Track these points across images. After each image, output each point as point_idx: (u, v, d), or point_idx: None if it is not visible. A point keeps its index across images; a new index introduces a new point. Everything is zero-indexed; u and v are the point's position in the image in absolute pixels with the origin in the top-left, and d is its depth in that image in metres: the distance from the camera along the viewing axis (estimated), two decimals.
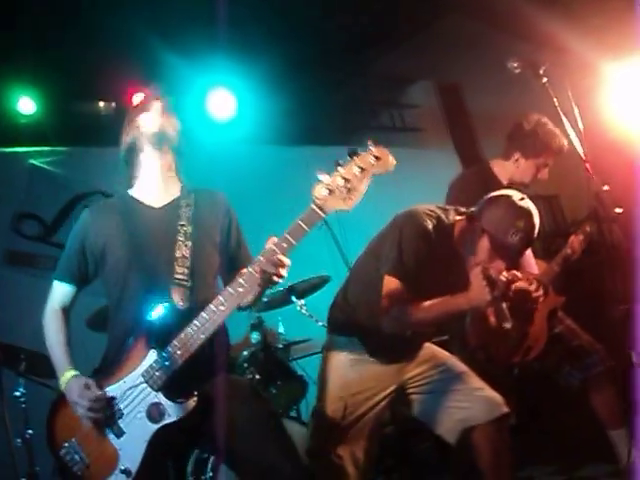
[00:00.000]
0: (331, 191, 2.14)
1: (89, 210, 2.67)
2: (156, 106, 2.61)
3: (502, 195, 2.93)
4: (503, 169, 3.62)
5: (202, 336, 2.30)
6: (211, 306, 2.30)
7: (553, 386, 3.66)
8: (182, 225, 2.54)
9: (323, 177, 2.17)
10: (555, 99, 3.12)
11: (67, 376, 2.47)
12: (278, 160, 6.05)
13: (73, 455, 2.42)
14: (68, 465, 2.41)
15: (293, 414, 4.12)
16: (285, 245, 2.22)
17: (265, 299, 4.01)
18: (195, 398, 2.34)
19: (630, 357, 2.84)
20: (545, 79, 3.13)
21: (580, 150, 3.02)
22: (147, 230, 2.55)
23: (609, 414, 3.51)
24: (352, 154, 2.17)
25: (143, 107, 2.63)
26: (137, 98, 2.72)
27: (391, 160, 2.18)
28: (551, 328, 3.55)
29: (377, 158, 2.15)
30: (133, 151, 2.62)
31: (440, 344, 3.73)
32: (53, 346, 2.56)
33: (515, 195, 2.89)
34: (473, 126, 7.57)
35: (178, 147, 2.64)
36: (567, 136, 3.11)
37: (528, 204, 2.86)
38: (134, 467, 2.33)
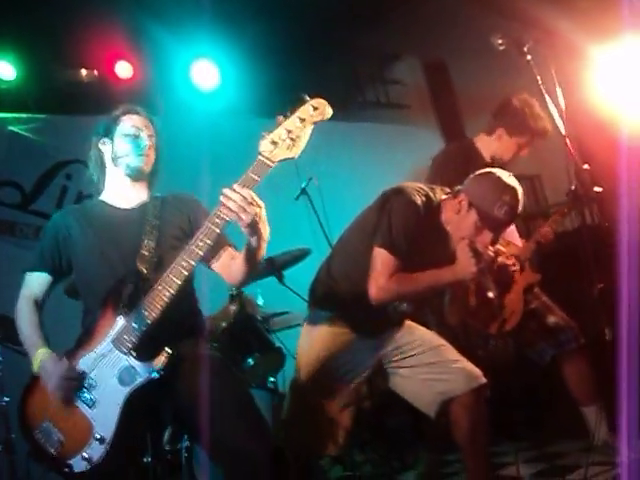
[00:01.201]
0: (275, 143, 2.27)
1: (60, 212, 2.81)
2: (140, 135, 2.68)
3: (490, 172, 3.02)
4: (486, 144, 3.64)
5: (167, 293, 2.36)
6: (173, 264, 2.37)
7: (527, 361, 3.70)
8: (148, 220, 2.64)
9: (266, 133, 2.29)
10: (539, 77, 3.13)
11: (40, 354, 2.50)
12: (261, 131, 6.00)
13: (48, 436, 2.42)
14: (44, 447, 2.41)
15: (270, 386, 4.13)
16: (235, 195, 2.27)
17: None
18: (166, 355, 2.36)
19: (604, 334, 2.87)
20: (529, 57, 3.14)
21: (562, 129, 3.04)
22: (116, 226, 2.65)
23: (582, 390, 3.56)
24: (292, 109, 2.30)
25: (127, 130, 2.69)
26: (126, 117, 2.72)
27: (328, 109, 2.31)
28: (527, 304, 3.59)
29: (315, 108, 2.29)
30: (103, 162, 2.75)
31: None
32: (25, 328, 2.60)
33: (502, 173, 2.99)
34: (458, 104, 7.57)
35: (153, 172, 2.77)
36: (550, 116, 3.13)
37: (514, 181, 2.97)
38: (108, 434, 2.33)
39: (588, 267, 2.89)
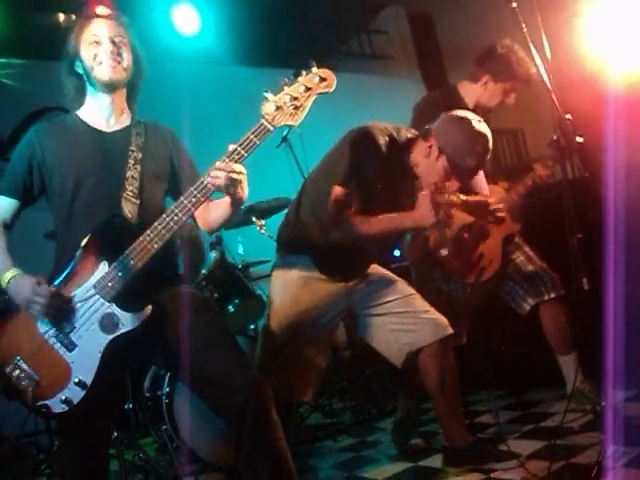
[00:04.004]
0: (279, 107, 2.28)
1: (35, 129, 2.59)
2: (102, 42, 2.49)
3: (459, 117, 2.99)
4: (470, 91, 3.60)
5: (155, 245, 2.32)
6: (164, 216, 2.33)
7: (505, 310, 3.73)
8: (132, 151, 2.55)
9: (270, 96, 2.29)
10: (524, 25, 3.09)
11: (9, 274, 2.38)
12: (242, 81, 5.95)
13: (20, 372, 2.37)
14: (15, 383, 2.36)
15: (250, 333, 4.15)
16: (236, 157, 2.29)
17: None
18: (150, 307, 2.33)
19: (582, 284, 2.89)
20: (515, 4, 3.09)
21: (547, 80, 3.01)
22: (97, 152, 2.53)
23: (559, 340, 3.59)
24: (297, 74, 2.32)
25: (89, 39, 2.50)
26: (86, 25, 2.53)
27: (334, 81, 2.32)
28: (508, 253, 3.60)
29: (322, 79, 2.31)
30: (79, 76, 2.56)
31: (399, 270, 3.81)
32: None
33: (472, 117, 2.97)
34: (442, 56, 7.52)
35: (132, 81, 2.60)
36: (535, 65, 3.10)
37: (484, 127, 2.95)
38: (89, 379, 2.31)
39: (568, 217, 2.88)
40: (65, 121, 2.61)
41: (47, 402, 2.33)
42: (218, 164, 2.28)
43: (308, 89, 2.29)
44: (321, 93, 2.32)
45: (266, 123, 2.28)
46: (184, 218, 2.32)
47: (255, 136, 2.28)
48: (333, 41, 7.39)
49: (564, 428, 3.19)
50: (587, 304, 2.85)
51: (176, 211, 2.32)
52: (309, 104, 2.30)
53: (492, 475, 2.96)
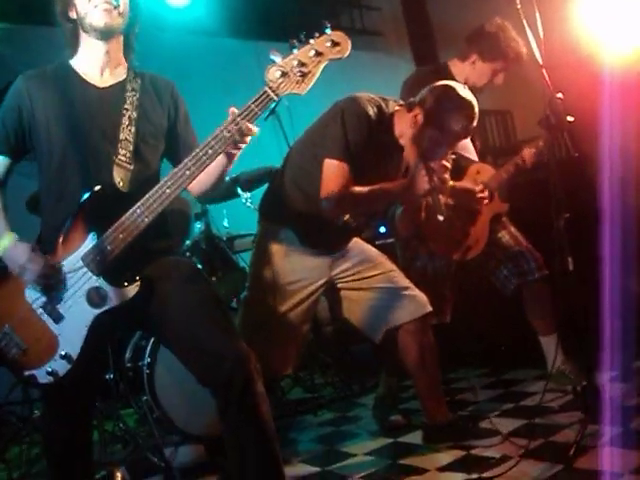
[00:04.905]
0: (285, 73, 2.10)
1: (25, 76, 2.44)
2: None
3: (446, 85, 2.97)
4: (460, 70, 3.58)
5: (146, 219, 2.22)
6: (156, 188, 2.22)
7: (489, 289, 3.73)
8: (126, 109, 2.41)
9: (277, 58, 2.11)
10: (519, 3, 3.06)
11: (6, 240, 2.31)
12: (232, 53, 5.92)
13: (8, 340, 2.34)
14: (3, 351, 2.34)
15: (234, 305, 4.13)
16: (235, 127, 2.16)
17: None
18: (139, 283, 2.27)
19: (567, 264, 2.89)
20: None
21: (539, 59, 2.99)
22: (89, 109, 2.39)
23: (541, 320, 3.60)
24: (308, 35, 2.11)
25: None
26: None
27: (348, 46, 2.14)
28: (494, 233, 3.60)
29: (335, 43, 2.12)
30: (74, 21, 2.42)
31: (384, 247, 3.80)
32: None
33: (458, 86, 2.97)
34: (433, 34, 7.47)
35: (128, 28, 2.45)
36: (527, 44, 3.07)
37: (469, 94, 2.95)
38: (75, 352, 2.27)
39: (556, 197, 2.87)
40: (57, 71, 2.46)
41: (34, 372, 2.31)
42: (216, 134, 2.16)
43: (319, 54, 2.09)
44: (333, 59, 2.12)
45: (270, 92, 2.12)
46: (176, 192, 2.21)
47: (257, 105, 2.13)
48: (324, 15, 7.31)
49: (544, 407, 3.22)
50: (571, 285, 2.85)
51: (169, 183, 2.21)
52: (318, 71, 2.12)
53: (472, 452, 2.98)
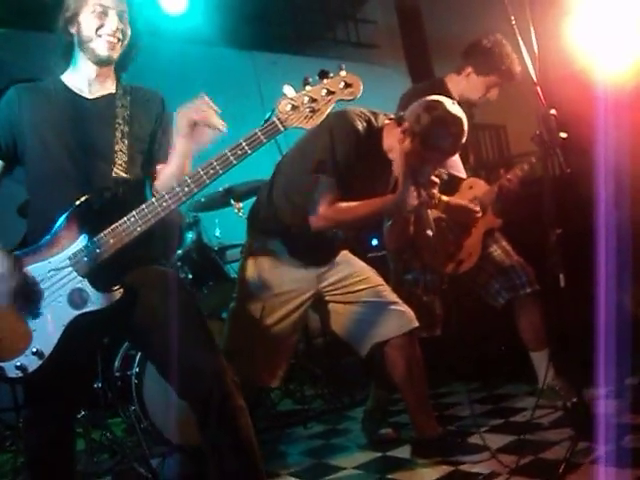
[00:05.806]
0: (295, 107, 2.13)
1: (16, 88, 2.49)
2: (111, 21, 2.40)
3: (434, 100, 2.95)
4: (455, 83, 3.59)
5: (138, 229, 2.24)
6: (153, 200, 2.25)
7: (481, 303, 3.73)
8: (119, 123, 2.46)
9: (290, 92, 2.15)
10: (512, 17, 3.07)
11: None
12: (228, 62, 5.92)
13: None
14: None
15: (224, 317, 4.11)
16: (240, 152, 2.17)
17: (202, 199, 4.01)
18: (121, 290, 2.28)
19: (559, 280, 2.88)
20: None
21: (533, 75, 2.99)
22: (79, 119, 2.44)
23: (532, 336, 3.59)
24: (322, 75, 2.15)
25: (93, 8, 2.39)
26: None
27: (361, 88, 2.18)
28: (486, 247, 3.60)
29: (347, 85, 2.16)
30: (72, 35, 2.46)
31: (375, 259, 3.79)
32: None
33: (447, 101, 2.94)
34: (428, 48, 7.49)
35: (124, 56, 2.51)
36: (522, 59, 3.08)
37: (459, 110, 2.92)
38: (47, 350, 2.27)
39: (548, 213, 2.87)
40: (48, 85, 2.52)
41: (2, 364, 2.30)
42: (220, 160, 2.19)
43: (330, 93, 2.13)
44: (343, 100, 2.16)
45: (278, 123, 2.14)
46: (173, 206, 2.23)
47: (263, 134, 2.15)
48: (320, 27, 7.34)
49: (534, 423, 3.20)
50: (563, 301, 2.84)
51: (167, 197, 2.23)
52: (328, 110, 2.15)
53: (460, 467, 2.97)
